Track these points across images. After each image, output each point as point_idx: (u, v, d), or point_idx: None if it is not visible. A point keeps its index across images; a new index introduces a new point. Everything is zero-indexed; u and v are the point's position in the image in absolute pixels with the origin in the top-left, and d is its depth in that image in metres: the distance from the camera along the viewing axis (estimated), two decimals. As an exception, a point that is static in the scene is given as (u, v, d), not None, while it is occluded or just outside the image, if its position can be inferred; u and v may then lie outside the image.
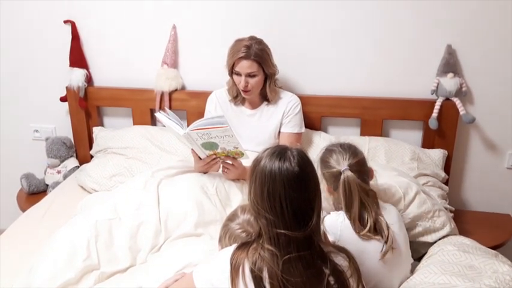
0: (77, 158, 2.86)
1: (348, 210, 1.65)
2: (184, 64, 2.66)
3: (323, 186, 1.77)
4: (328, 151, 1.74)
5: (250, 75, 2.20)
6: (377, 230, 1.65)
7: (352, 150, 1.72)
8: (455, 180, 2.59)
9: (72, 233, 1.85)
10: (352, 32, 2.44)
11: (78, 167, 2.76)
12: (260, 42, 2.23)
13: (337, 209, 1.74)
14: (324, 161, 1.72)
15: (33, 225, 2.21)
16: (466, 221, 2.39)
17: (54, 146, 2.77)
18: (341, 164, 1.67)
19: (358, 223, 1.64)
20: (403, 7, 2.35)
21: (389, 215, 1.71)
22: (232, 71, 2.24)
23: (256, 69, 2.19)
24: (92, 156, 2.75)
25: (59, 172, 2.78)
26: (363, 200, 1.64)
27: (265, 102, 2.36)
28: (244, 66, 2.18)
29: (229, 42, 2.26)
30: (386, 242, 1.63)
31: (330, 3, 2.41)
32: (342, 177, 1.65)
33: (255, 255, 1.29)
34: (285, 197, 1.25)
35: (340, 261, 1.35)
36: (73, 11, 2.65)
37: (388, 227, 1.65)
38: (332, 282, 1.31)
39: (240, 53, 2.16)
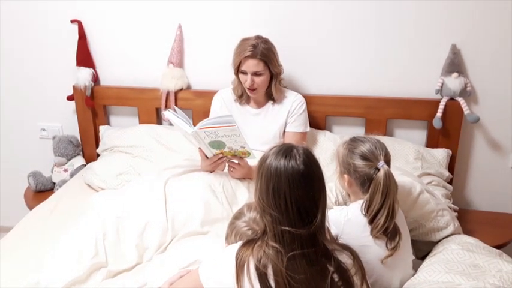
0: (83, 156, 2.88)
1: (370, 207, 1.60)
2: (190, 63, 2.67)
3: (337, 176, 1.75)
4: (361, 142, 1.67)
5: (256, 74, 2.21)
6: (388, 233, 1.63)
7: (384, 147, 1.66)
8: (459, 180, 2.59)
9: (80, 232, 1.87)
10: (357, 31, 2.45)
11: (85, 165, 2.78)
12: (266, 41, 2.24)
13: (342, 203, 1.73)
14: (358, 152, 1.65)
15: (40, 222, 2.23)
16: (470, 221, 2.39)
17: (61, 144, 2.80)
18: (378, 158, 1.62)
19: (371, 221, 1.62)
20: (408, 7, 2.35)
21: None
22: (238, 70, 2.25)
23: (262, 68, 2.21)
24: (98, 155, 2.77)
25: (65, 170, 2.81)
26: (394, 200, 1.60)
27: (270, 102, 2.38)
28: (251, 64, 2.19)
29: (234, 42, 2.27)
30: (392, 249, 1.62)
31: (335, 3, 2.41)
32: (382, 172, 1.59)
33: (259, 252, 1.31)
34: (290, 194, 1.27)
35: (345, 259, 1.36)
36: (80, 10, 2.67)
37: (400, 237, 1.64)
38: (336, 280, 1.32)
39: (247, 52, 2.17)
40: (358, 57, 2.49)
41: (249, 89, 2.26)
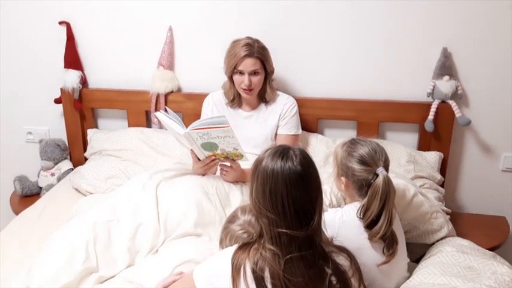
0: (71, 160, 2.83)
1: (367, 212, 1.58)
2: (180, 66, 2.65)
3: (334, 178, 1.74)
4: (361, 146, 1.64)
5: (253, 74, 2.20)
6: (385, 239, 1.61)
7: (384, 151, 1.64)
8: (450, 183, 2.60)
9: (71, 235, 1.83)
10: (349, 35, 2.45)
11: (72, 169, 2.73)
12: (258, 41, 2.24)
13: (337, 206, 1.72)
14: (357, 156, 1.62)
15: (26, 228, 2.19)
16: (461, 223, 2.39)
17: (48, 148, 2.75)
18: (378, 163, 1.59)
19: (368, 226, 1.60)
20: (399, 10, 2.36)
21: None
22: (232, 72, 2.23)
23: (259, 66, 2.20)
24: (86, 159, 2.73)
25: (52, 174, 2.76)
26: (392, 206, 1.58)
27: (263, 104, 2.36)
28: (249, 64, 2.18)
29: (225, 44, 2.26)
30: (389, 255, 1.61)
31: (327, 6, 2.41)
32: (381, 178, 1.56)
33: (256, 255, 1.29)
34: (287, 196, 1.25)
35: (342, 261, 1.35)
36: (68, 12, 2.63)
37: (397, 244, 1.62)
38: (334, 282, 1.31)
39: (243, 52, 2.16)
40: (350, 60, 2.49)
41: (245, 89, 2.23)
